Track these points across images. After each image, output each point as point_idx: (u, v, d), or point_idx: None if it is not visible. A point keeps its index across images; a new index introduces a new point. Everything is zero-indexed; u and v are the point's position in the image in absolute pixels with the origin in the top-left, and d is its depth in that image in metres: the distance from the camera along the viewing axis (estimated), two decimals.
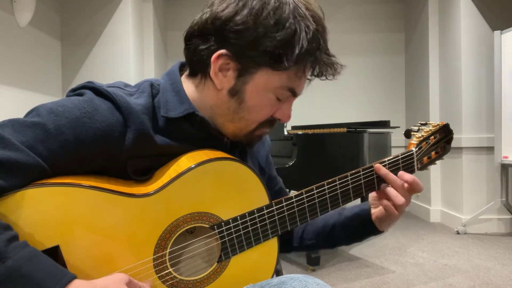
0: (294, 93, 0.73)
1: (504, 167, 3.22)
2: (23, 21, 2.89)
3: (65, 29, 3.61)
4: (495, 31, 3.21)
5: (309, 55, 0.68)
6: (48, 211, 0.58)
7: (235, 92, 0.70)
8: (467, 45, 3.45)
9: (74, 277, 0.54)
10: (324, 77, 0.74)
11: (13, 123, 0.60)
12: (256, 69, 0.68)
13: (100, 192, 0.61)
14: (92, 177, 0.65)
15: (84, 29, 3.58)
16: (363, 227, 0.86)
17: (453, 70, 3.62)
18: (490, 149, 3.36)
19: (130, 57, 3.55)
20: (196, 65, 0.72)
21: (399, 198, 0.78)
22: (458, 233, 3.35)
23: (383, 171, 0.80)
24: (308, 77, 0.75)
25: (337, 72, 0.73)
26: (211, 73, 0.69)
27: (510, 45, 3.09)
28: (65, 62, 3.63)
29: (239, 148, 0.81)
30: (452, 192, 3.68)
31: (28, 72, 3.14)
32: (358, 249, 2.91)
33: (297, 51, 0.65)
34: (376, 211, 0.84)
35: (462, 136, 3.41)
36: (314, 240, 0.90)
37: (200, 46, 0.69)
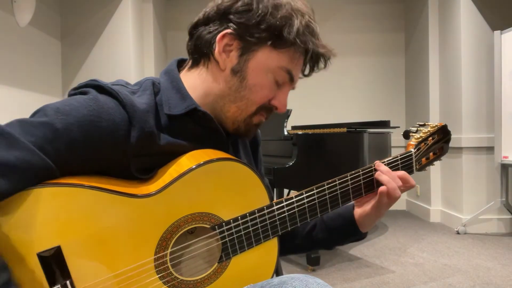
0: (291, 77, 0.76)
1: (504, 167, 3.23)
2: (23, 21, 2.89)
3: (65, 29, 3.61)
4: (495, 31, 3.21)
5: (306, 36, 0.72)
6: (50, 211, 0.58)
7: (237, 71, 0.73)
8: (467, 45, 3.45)
9: None
10: (317, 67, 0.78)
11: (21, 123, 0.60)
12: (258, 46, 0.72)
13: (102, 192, 0.61)
14: (94, 177, 0.65)
15: (84, 29, 3.59)
16: (344, 227, 0.87)
17: (453, 70, 3.62)
18: (490, 149, 3.37)
19: (130, 57, 3.55)
20: (199, 51, 0.75)
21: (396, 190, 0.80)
22: (458, 233, 3.36)
23: (383, 167, 0.81)
24: (305, 72, 0.80)
25: (329, 59, 0.77)
26: (215, 53, 0.72)
27: (510, 45, 3.09)
28: (65, 62, 3.63)
29: (231, 139, 0.82)
30: (452, 192, 3.68)
31: (28, 72, 3.14)
32: (358, 249, 2.92)
33: (295, 29, 0.71)
34: (359, 209, 0.85)
35: (462, 136, 3.41)
36: (296, 241, 0.91)
37: (204, 31, 0.74)
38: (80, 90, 0.68)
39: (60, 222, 0.59)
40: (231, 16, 0.71)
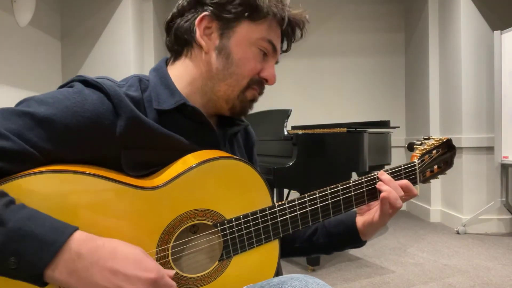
0: (273, 47, 0.77)
1: (504, 167, 3.23)
2: (23, 21, 2.89)
3: (65, 29, 3.62)
4: (495, 31, 3.21)
5: (278, 4, 0.74)
6: (58, 196, 0.58)
7: (221, 49, 0.74)
8: (467, 45, 3.45)
9: (76, 229, 0.55)
10: (294, 37, 0.81)
11: (2, 112, 0.60)
12: (237, 22, 0.74)
13: (108, 181, 0.62)
14: (97, 168, 0.65)
15: (84, 29, 3.59)
16: (346, 234, 0.87)
17: (453, 70, 3.62)
18: (490, 149, 3.37)
19: (130, 56, 3.55)
20: (180, 41, 0.77)
21: (398, 201, 0.80)
22: (458, 233, 3.36)
23: (385, 176, 0.81)
24: (283, 48, 0.82)
25: (304, 26, 0.80)
26: (197, 37, 0.74)
27: (510, 45, 3.09)
28: (65, 62, 3.63)
29: (228, 137, 0.83)
30: (452, 192, 3.68)
31: (28, 72, 3.14)
32: (358, 249, 2.92)
33: None
34: (361, 218, 0.86)
35: (462, 136, 3.41)
36: (296, 244, 0.92)
37: (181, 22, 0.76)
38: (67, 85, 0.69)
39: (67, 208, 0.59)
40: (205, 0, 0.73)
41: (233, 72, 0.74)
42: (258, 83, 0.78)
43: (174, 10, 0.78)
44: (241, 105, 0.78)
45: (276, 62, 0.81)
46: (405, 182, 0.82)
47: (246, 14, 0.72)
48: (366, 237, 0.87)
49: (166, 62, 0.81)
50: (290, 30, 0.79)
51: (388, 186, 0.79)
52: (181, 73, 0.77)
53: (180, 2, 0.77)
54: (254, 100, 0.79)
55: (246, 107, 0.79)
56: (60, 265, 0.53)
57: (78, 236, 0.55)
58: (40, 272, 0.52)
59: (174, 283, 0.60)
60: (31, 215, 0.54)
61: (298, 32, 0.80)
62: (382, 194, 0.79)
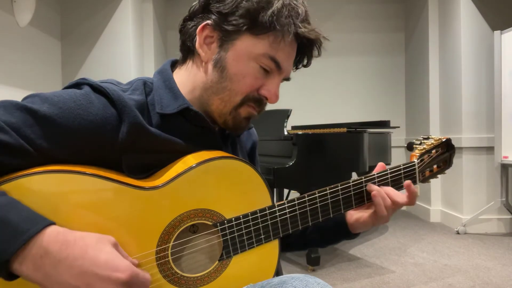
0: (277, 65, 0.72)
1: (504, 167, 3.23)
2: (23, 21, 2.89)
3: (65, 29, 3.62)
4: (495, 31, 3.21)
5: (287, 19, 0.69)
6: (57, 197, 0.58)
7: (217, 61, 0.72)
8: (467, 45, 3.45)
9: (51, 223, 0.54)
10: (310, 54, 0.76)
11: (5, 104, 0.60)
12: (237, 35, 0.71)
13: (107, 181, 0.62)
14: (96, 168, 0.65)
15: (84, 29, 3.59)
16: (335, 229, 0.87)
17: (453, 70, 3.62)
18: (490, 149, 3.37)
19: (130, 57, 3.55)
20: (185, 46, 0.76)
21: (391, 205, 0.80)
22: (458, 233, 3.36)
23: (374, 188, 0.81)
24: (304, 63, 0.78)
25: (320, 44, 0.75)
26: (196, 45, 0.72)
27: (510, 45, 3.09)
28: (65, 62, 3.63)
29: (230, 139, 0.82)
30: (452, 192, 3.68)
31: (28, 72, 3.14)
32: (358, 249, 2.92)
33: (271, 11, 0.68)
34: (356, 214, 0.85)
35: (462, 136, 3.41)
36: (290, 239, 0.90)
37: (188, 26, 0.74)
38: (75, 84, 0.68)
39: (67, 208, 0.59)
40: (211, 7, 0.71)
41: (226, 87, 0.72)
42: (256, 101, 0.74)
43: (187, 13, 0.76)
44: (234, 121, 0.74)
45: (288, 79, 0.78)
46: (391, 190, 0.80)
47: (245, 27, 0.69)
48: (357, 230, 0.86)
49: (173, 65, 0.81)
50: (305, 47, 0.75)
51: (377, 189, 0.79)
52: (184, 79, 0.76)
53: (193, 4, 0.75)
54: (249, 117, 0.76)
55: (239, 123, 0.75)
56: (27, 259, 0.51)
57: (51, 230, 0.53)
58: (7, 258, 0.50)
59: (148, 278, 0.58)
60: (9, 202, 0.53)
61: (315, 50, 0.76)
62: (372, 194, 0.79)
